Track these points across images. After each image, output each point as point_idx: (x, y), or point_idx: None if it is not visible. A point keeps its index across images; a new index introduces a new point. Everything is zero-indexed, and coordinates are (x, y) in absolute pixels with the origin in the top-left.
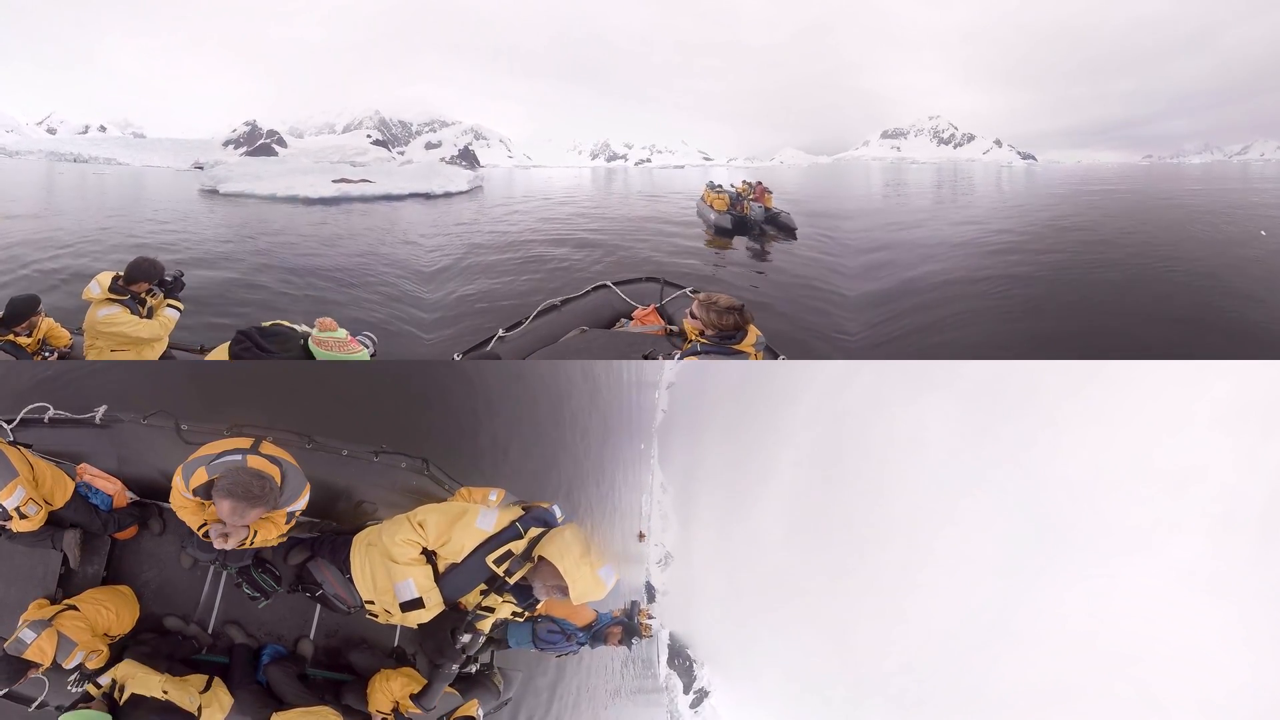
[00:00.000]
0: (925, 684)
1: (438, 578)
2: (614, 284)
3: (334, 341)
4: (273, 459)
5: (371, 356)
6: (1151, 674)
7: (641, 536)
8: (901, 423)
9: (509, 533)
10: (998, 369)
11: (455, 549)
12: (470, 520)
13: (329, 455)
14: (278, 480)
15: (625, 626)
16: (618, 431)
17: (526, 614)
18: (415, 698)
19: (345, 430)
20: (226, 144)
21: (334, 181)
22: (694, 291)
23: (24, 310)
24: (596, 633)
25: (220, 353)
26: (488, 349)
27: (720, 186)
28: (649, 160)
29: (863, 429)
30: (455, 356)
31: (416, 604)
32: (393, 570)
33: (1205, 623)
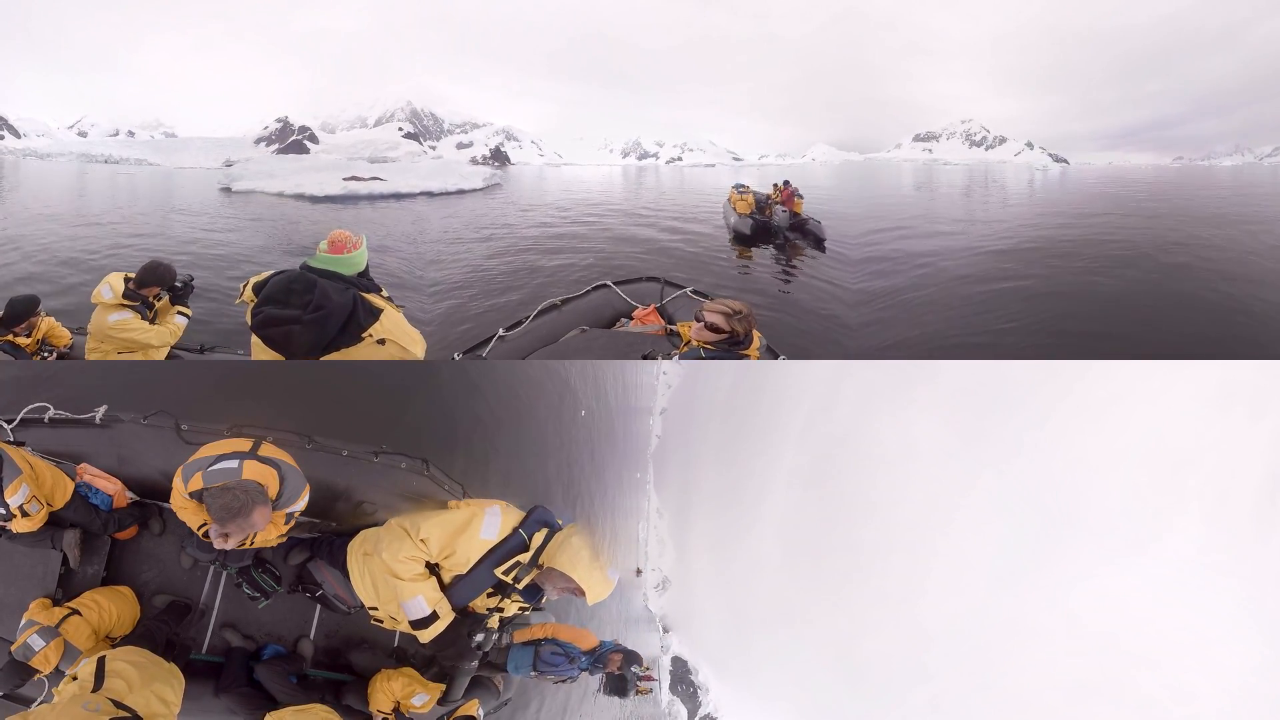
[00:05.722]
0: (942, 690)
1: (443, 589)
2: (614, 284)
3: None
4: (271, 461)
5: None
6: (1177, 669)
7: (639, 572)
8: (892, 431)
9: (514, 541)
10: (985, 370)
11: (460, 561)
12: (475, 531)
13: (329, 455)
14: (275, 482)
15: (626, 654)
16: (615, 459)
17: (534, 609)
18: (441, 699)
19: (345, 430)
20: (258, 141)
21: (344, 180)
22: (695, 292)
23: (23, 311)
24: (599, 657)
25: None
26: (488, 349)
27: (745, 187)
28: (680, 159)
29: (854, 441)
30: (455, 356)
31: (430, 619)
32: (399, 589)
33: (1215, 608)
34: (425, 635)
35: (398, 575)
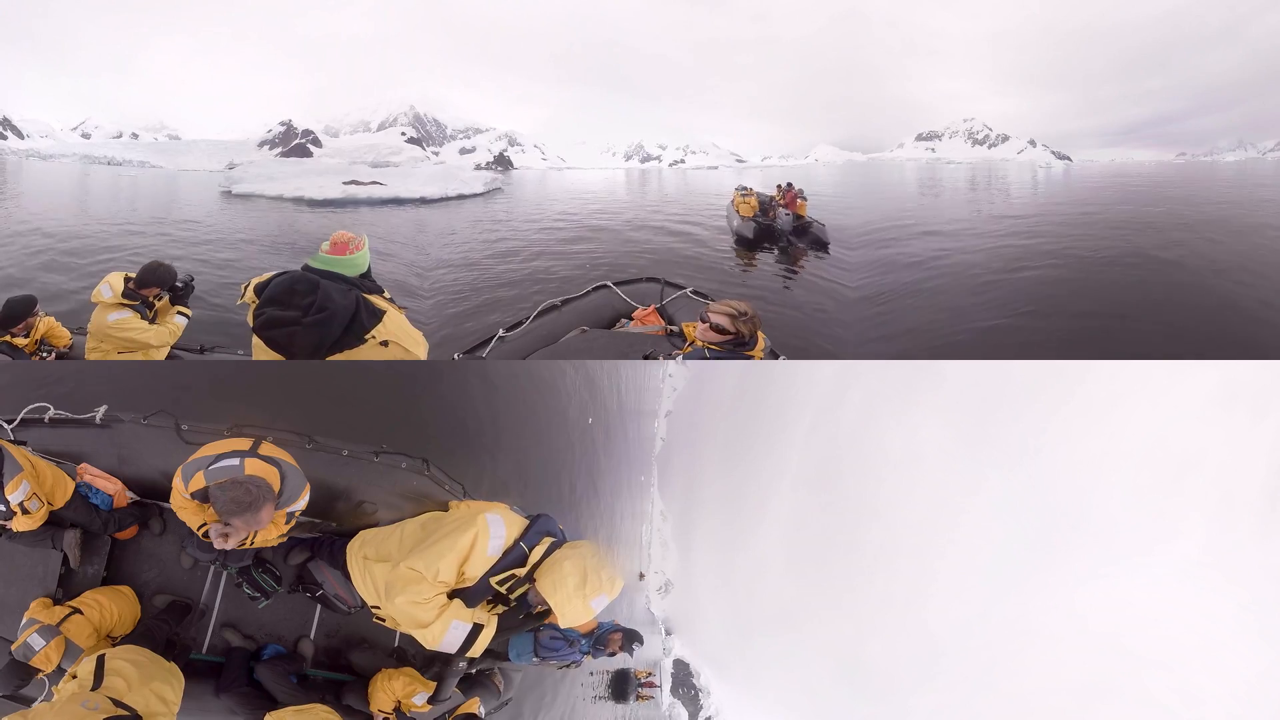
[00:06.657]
0: (946, 692)
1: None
2: (614, 284)
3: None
4: (272, 460)
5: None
6: (1184, 671)
7: (641, 577)
8: (897, 434)
9: (514, 554)
10: (989, 371)
11: (469, 578)
12: (482, 550)
13: (329, 455)
14: (276, 481)
15: (625, 633)
16: (620, 462)
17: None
18: (430, 698)
19: (345, 430)
20: (261, 145)
21: (344, 184)
22: (695, 293)
23: (20, 311)
24: (599, 639)
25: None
26: (488, 350)
27: (748, 189)
28: (682, 161)
29: (860, 444)
30: (455, 356)
31: (474, 634)
32: (432, 634)
33: (1221, 610)
34: (478, 647)
35: (425, 622)
